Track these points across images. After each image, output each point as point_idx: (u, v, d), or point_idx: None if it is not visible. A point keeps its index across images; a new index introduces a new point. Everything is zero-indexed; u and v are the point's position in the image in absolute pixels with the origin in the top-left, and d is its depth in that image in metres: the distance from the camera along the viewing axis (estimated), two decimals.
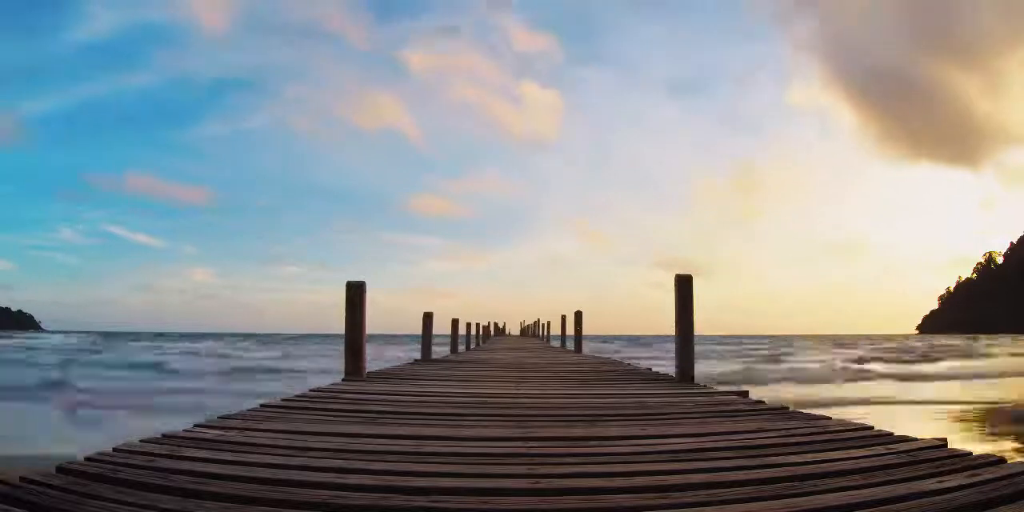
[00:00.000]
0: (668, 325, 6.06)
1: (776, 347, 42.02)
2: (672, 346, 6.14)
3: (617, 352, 25.29)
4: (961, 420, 9.43)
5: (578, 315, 13.99)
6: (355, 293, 6.13)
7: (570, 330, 15.02)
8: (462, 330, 15.43)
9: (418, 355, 10.83)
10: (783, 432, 2.88)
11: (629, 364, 9.39)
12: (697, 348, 5.94)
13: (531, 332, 32.01)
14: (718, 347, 40.53)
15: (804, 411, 3.62)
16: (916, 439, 2.57)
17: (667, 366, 7.51)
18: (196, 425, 3.00)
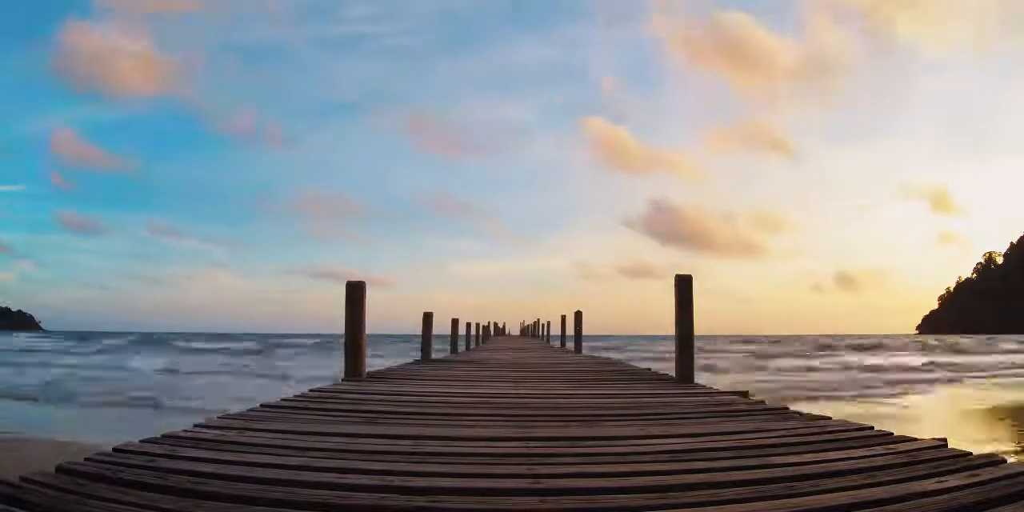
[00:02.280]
0: (669, 325, 6.05)
1: None
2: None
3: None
4: None
5: (578, 315, 13.99)
6: (355, 293, 6.13)
7: (570, 330, 15.03)
8: (462, 330, 15.44)
9: (386, 362, 10.77)
10: (783, 432, 2.88)
11: (629, 364, 9.39)
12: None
13: (531, 332, 32.02)
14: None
15: (804, 411, 3.62)
16: (916, 439, 2.57)
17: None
18: (196, 425, 3.00)
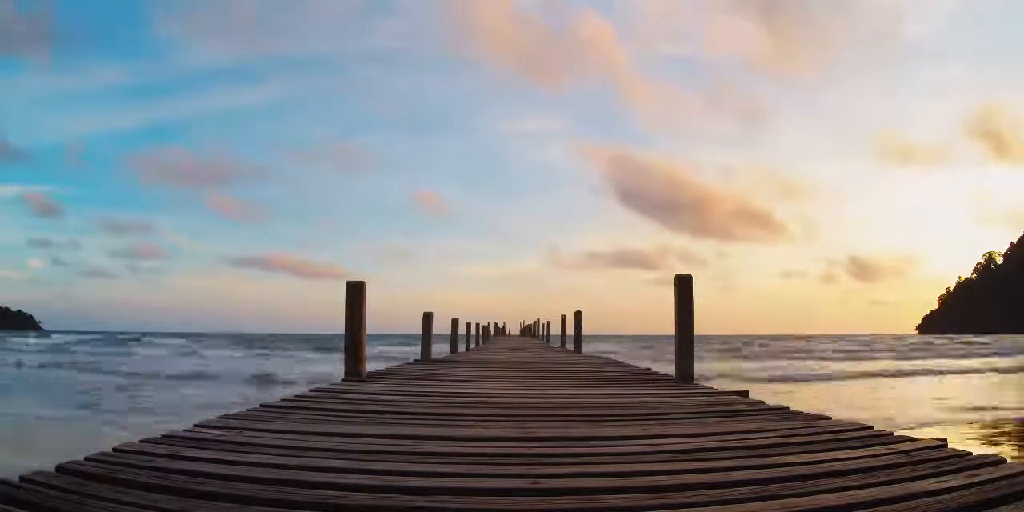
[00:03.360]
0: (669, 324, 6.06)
1: None
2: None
3: None
4: None
5: (578, 315, 13.99)
6: (354, 293, 6.13)
7: (570, 330, 15.04)
8: (461, 330, 15.44)
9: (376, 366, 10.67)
10: (783, 432, 2.88)
11: (629, 364, 9.40)
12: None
13: (531, 332, 32.02)
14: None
15: (804, 411, 3.62)
16: (916, 439, 2.57)
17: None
18: (196, 425, 3.00)
